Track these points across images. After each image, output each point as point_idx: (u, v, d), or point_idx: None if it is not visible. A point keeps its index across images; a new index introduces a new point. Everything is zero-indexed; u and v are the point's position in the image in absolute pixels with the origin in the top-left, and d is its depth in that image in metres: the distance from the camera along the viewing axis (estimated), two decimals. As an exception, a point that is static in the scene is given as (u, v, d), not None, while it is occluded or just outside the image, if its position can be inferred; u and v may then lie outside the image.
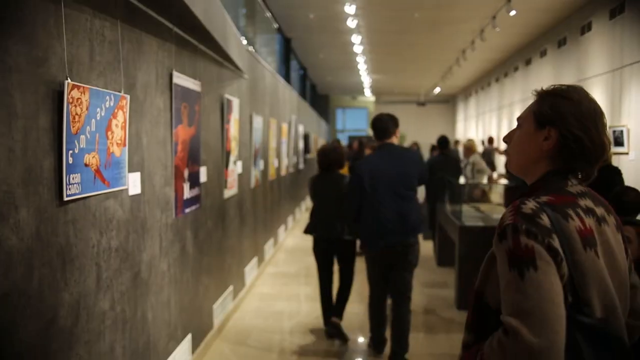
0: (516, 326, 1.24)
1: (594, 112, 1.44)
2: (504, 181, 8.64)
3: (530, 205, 1.35)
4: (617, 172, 4.72)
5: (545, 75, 11.30)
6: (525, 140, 1.48)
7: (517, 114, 13.70)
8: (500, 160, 13.94)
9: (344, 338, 4.64)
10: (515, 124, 1.57)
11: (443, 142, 9.00)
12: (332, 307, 4.80)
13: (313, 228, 4.80)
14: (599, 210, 1.43)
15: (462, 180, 8.39)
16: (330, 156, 4.76)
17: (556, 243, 1.30)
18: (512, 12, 9.00)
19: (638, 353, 1.50)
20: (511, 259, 1.30)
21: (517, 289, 1.27)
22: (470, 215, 6.19)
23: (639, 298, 1.50)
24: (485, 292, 1.45)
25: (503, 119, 15.46)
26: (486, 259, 1.46)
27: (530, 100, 1.54)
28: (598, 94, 8.31)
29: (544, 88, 1.50)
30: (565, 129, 1.40)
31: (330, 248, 4.75)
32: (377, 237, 4.01)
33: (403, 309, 4.12)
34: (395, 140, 4.14)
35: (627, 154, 6.58)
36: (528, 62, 12.66)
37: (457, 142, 16.94)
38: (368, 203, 4.00)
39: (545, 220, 1.32)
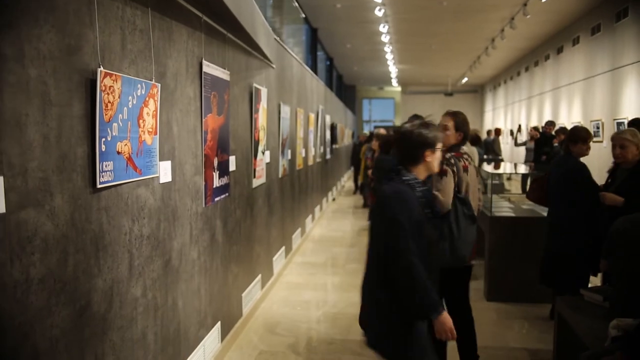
0: (437, 194, 3.32)
1: (467, 120, 3.62)
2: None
3: (449, 155, 3.43)
4: None
5: (577, 63, 11.02)
6: (451, 135, 3.55)
7: (548, 104, 13.61)
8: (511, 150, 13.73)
9: None
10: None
11: (473, 137, 8.92)
12: None
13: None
14: (469, 160, 3.55)
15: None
16: (388, 142, 6.97)
17: (454, 169, 3.39)
18: (544, -1, 8.79)
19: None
20: (439, 173, 3.26)
21: (440, 182, 3.35)
22: (499, 205, 6.10)
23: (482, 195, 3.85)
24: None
25: (533, 109, 15.14)
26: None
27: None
28: (633, 82, 8.08)
29: (451, 110, 3.69)
30: (462, 130, 3.57)
31: None
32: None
33: None
34: None
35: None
36: (560, 51, 12.36)
37: (489, 132, 16.58)
38: None
39: (452, 161, 3.41)
